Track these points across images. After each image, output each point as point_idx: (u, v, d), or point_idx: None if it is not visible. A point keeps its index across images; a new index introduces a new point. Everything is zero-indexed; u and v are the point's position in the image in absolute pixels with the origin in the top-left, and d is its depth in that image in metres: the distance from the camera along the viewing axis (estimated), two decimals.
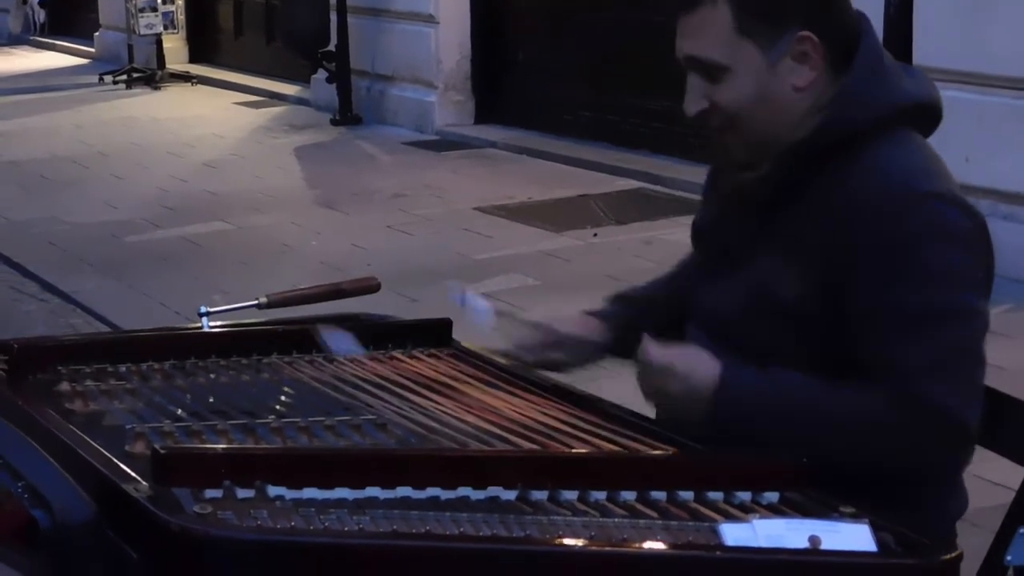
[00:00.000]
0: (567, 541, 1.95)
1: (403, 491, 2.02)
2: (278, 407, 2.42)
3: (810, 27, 2.39)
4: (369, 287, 3.05)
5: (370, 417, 2.37)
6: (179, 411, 2.37)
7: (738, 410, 2.35)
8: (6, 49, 18.02)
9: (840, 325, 2.35)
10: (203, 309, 2.81)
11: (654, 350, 2.40)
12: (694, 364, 2.39)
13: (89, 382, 2.52)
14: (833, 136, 2.39)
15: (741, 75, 2.40)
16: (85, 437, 2.19)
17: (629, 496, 2.11)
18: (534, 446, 2.28)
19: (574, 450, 2.27)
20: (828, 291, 2.35)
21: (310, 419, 2.32)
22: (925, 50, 6.90)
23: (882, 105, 2.40)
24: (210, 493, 1.95)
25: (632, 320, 2.71)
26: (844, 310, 2.35)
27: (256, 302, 2.90)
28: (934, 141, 2.49)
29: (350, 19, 11.80)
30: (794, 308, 2.38)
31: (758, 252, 2.45)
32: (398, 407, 2.44)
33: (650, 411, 2.55)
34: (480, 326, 2.75)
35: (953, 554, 1.99)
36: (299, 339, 2.76)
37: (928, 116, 2.48)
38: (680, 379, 2.37)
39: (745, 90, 2.40)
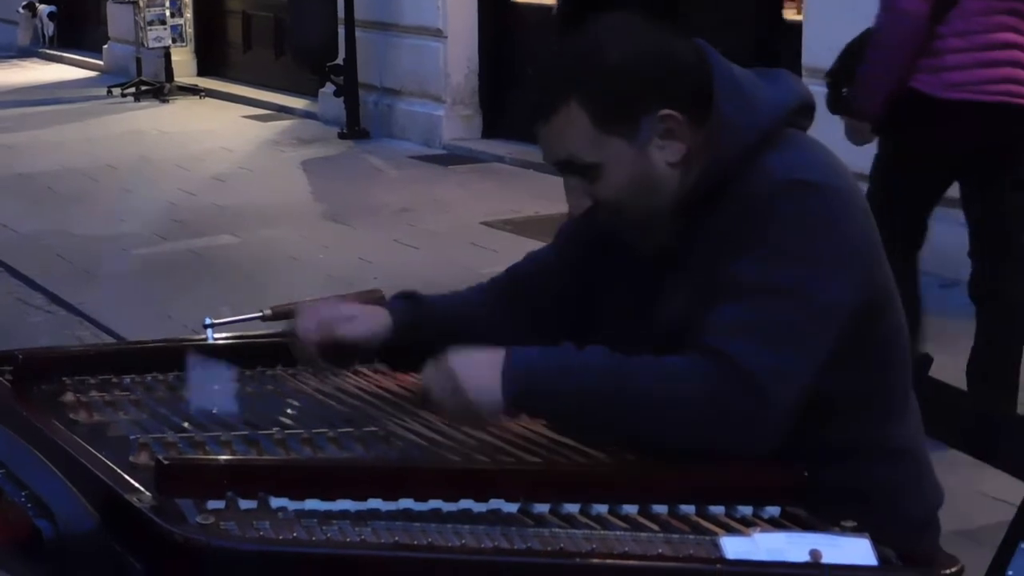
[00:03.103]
0: (569, 554, 1.96)
1: (405, 503, 2.03)
2: (282, 419, 2.42)
3: (666, 103, 2.38)
4: (373, 300, 3.05)
5: (373, 429, 2.37)
6: (183, 422, 2.37)
7: (529, 385, 2.31)
8: (15, 62, 18.06)
9: None
10: (208, 321, 2.82)
11: (432, 363, 2.37)
12: (474, 357, 2.35)
13: (93, 393, 2.53)
14: (716, 177, 2.40)
15: (614, 169, 2.40)
16: (89, 448, 2.19)
17: (631, 509, 2.11)
18: (536, 459, 2.28)
19: (576, 463, 2.28)
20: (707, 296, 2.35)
21: (313, 431, 2.32)
22: None
23: (754, 130, 2.39)
24: (213, 504, 1.96)
25: (422, 324, 2.67)
26: None
27: (260, 314, 2.90)
28: None
29: (358, 33, 11.83)
30: (677, 328, 2.37)
31: (668, 293, 2.45)
32: (401, 419, 2.44)
33: None
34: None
35: (954, 568, 1.99)
36: None
37: (803, 111, 2.48)
38: (464, 373, 2.32)
39: (622, 180, 2.41)
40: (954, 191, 5.23)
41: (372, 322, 2.66)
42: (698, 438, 2.24)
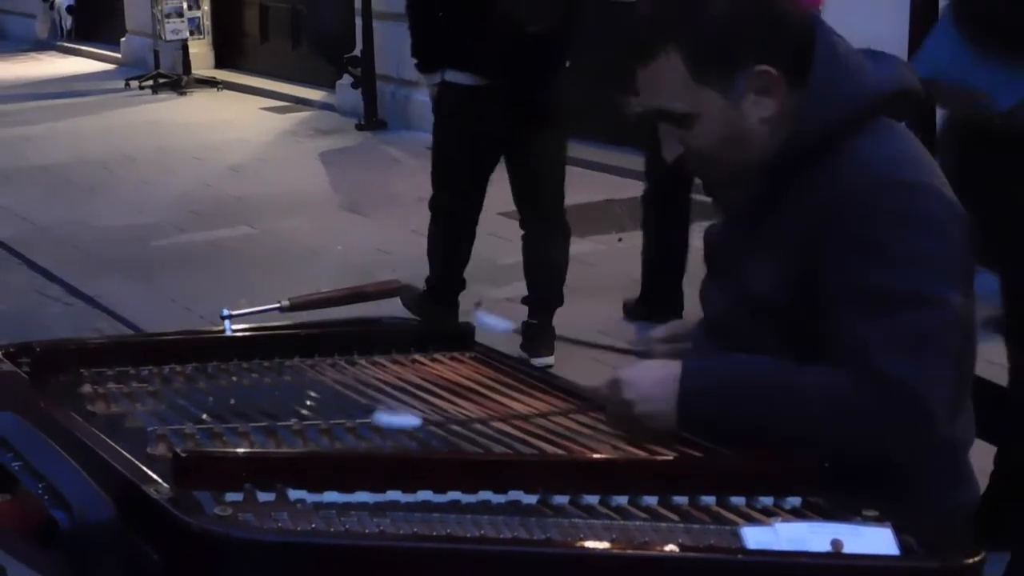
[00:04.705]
0: (588, 544, 1.95)
1: (424, 495, 2.02)
2: (300, 410, 2.41)
3: (764, 60, 2.38)
4: (391, 290, 3.05)
5: None
6: (201, 414, 2.36)
7: (703, 397, 2.34)
8: (33, 54, 18.09)
9: (814, 316, 2.33)
10: (225, 312, 2.81)
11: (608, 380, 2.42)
12: (647, 369, 2.41)
13: (111, 384, 2.53)
14: (801, 146, 2.39)
15: (708, 119, 2.40)
16: (106, 439, 2.19)
17: (651, 500, 2.10)
18: (556, 450, 2.27)
19: (596, 454, 2.27)
20: (801, 282, 2.34)
21: (332, 422, 2.32)
22: None
23: (846, 105, 2.38)
24: (231, 496, 1.95)
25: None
26: (816, 299, 2.33)
27: (278, 305, 2.90)
28: None
29: (375, 24, 11.81)
30: (768, 303, 2.38)
31: (743, 258, 2.46)
32: (420, 410, 2.43)
33: None
34: (496, 335, 2.74)
35: (977, 557, 1.98)
36: (321, 342, 2.76)
37: (905, 100, 2.47)
38: (637, 387, 2.37)
39: (714, 132, 2.41)
40: None
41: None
42: (864, 453, 2.26)
